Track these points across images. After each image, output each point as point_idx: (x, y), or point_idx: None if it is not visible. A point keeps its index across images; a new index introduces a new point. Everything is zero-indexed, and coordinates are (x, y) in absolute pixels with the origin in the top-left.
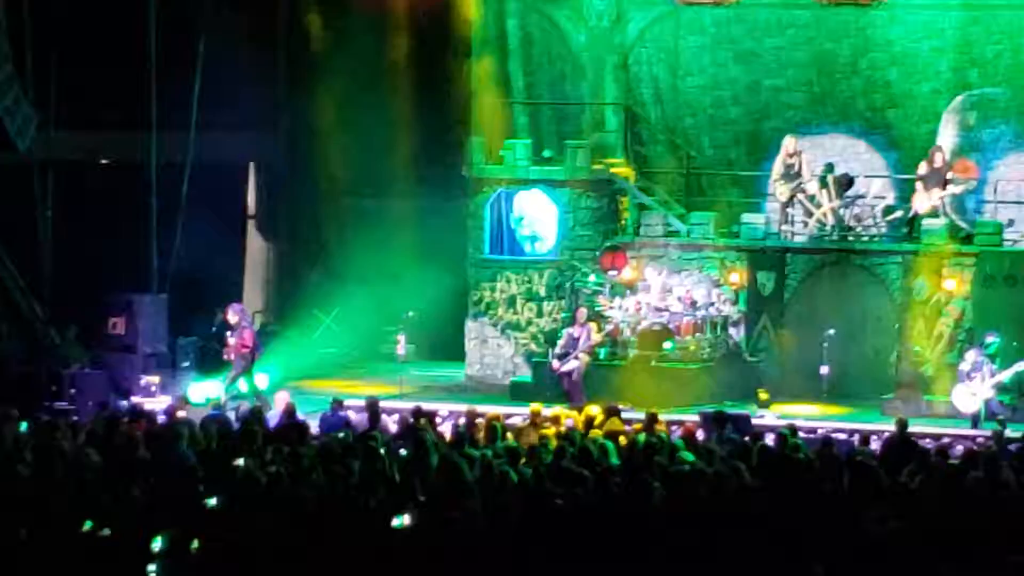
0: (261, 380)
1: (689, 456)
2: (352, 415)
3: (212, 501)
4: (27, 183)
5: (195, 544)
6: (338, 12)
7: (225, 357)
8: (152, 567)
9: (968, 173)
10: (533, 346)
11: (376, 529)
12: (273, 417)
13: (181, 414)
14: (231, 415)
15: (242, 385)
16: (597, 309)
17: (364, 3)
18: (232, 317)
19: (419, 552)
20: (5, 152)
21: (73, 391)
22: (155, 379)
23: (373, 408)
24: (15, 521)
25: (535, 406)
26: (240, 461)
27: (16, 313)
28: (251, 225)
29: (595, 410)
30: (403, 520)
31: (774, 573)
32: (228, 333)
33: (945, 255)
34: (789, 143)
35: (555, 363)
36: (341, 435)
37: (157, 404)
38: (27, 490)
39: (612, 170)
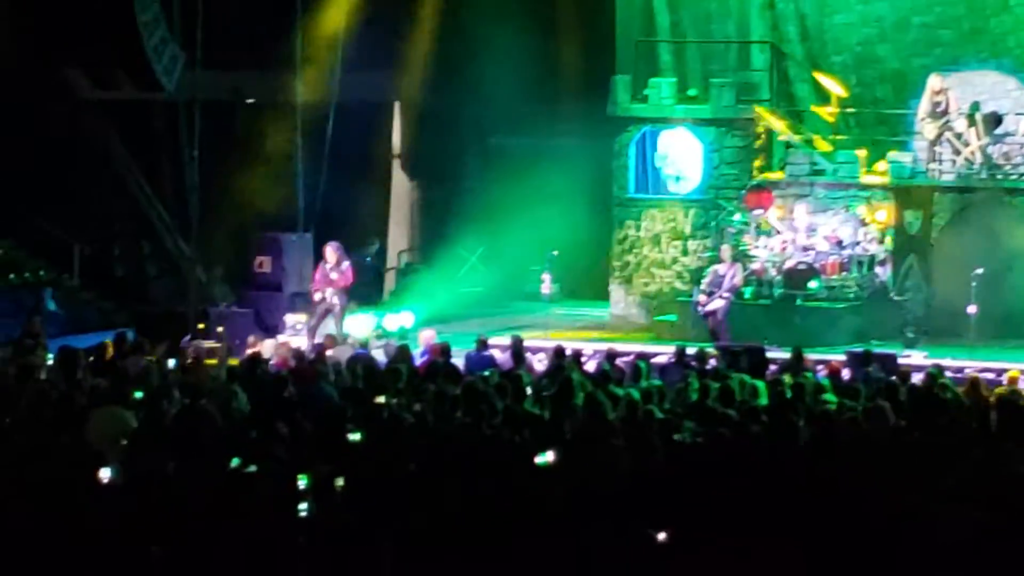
0: (407, 318)
1: (832, 397)
2: (497, 354)
3: (355, 436)
4: (173, 123)
5: (339, 482)
6: None
7: (318, 293)
8: (303, 505)
9: None
10: (679, 284)
11: (520, 467)
12: (419, 355)
13: (329, 352)
14: (377, 353)
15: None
16: (742, 248)
17: None
18: (332, 255)
19: (562, 490)
20: (152, 92)
21: (220, 329)
22: (301, 317)
23: (518, 347)
24: (163, 457)
25: (678, 345)
26: (382, 399)
27: (164, 253)
28: (396, 164)
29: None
30: (547, 458)
31: (919, 513)
32: (328, 268)
33: None
34: (935, 81)
35: (701, 298)
36: (486, 374)
37: (302, 343)
38: (176, 426)
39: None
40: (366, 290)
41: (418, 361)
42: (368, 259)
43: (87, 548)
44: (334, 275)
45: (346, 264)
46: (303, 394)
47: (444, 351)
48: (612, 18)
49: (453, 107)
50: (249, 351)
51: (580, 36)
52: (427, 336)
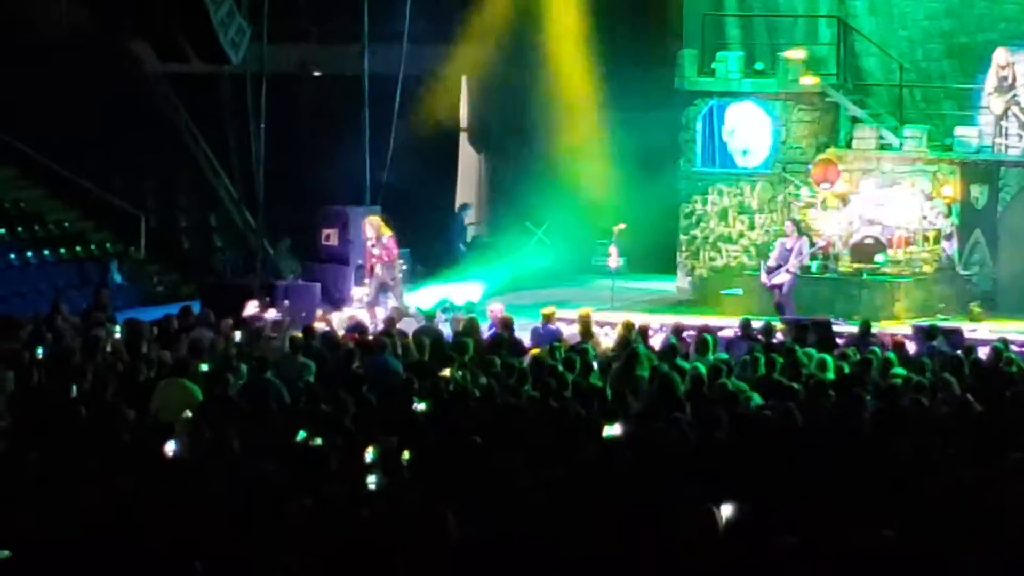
0: (475, 291)
1: (900, 371)
2: (563, 327)
3: (421, 407)
4: (240, 96)
5: (406, 455)
6: None
7: (369, 268)
8: (372, 477)
9: None
10: (745, 259)
11: (587, 440)
12: (486, 329)
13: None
14: (444, 327)
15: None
16: (809, 222)
17: None
18: (370, 230)
19: (629, 462)
20: (218, 65)
21: (286, 302)
22: (367, 291)
23: (585, 321)
24: (229, 430)
25: (745, 319)
26: (447, 372)
27: (230, 226)
28: (463, 137)
29: None
30: (614, 431)
31: (983, 487)
32: (370, 245)
33: None
34: (1001, 55)
35: (764, 276)
36: (553, 347)
37: (368, 317)
38: (241, 399)
39: None
40: (441, 260)
41: (487, 334)
42: (464, 223)
43: (151, 521)
44: (376, 250)
45: (387, 236)
46: (369, 367)
47: (507, 324)
48: None
49: (520, 80)
50: (316, 323)
51: (648, 9)
52: (495, 309)
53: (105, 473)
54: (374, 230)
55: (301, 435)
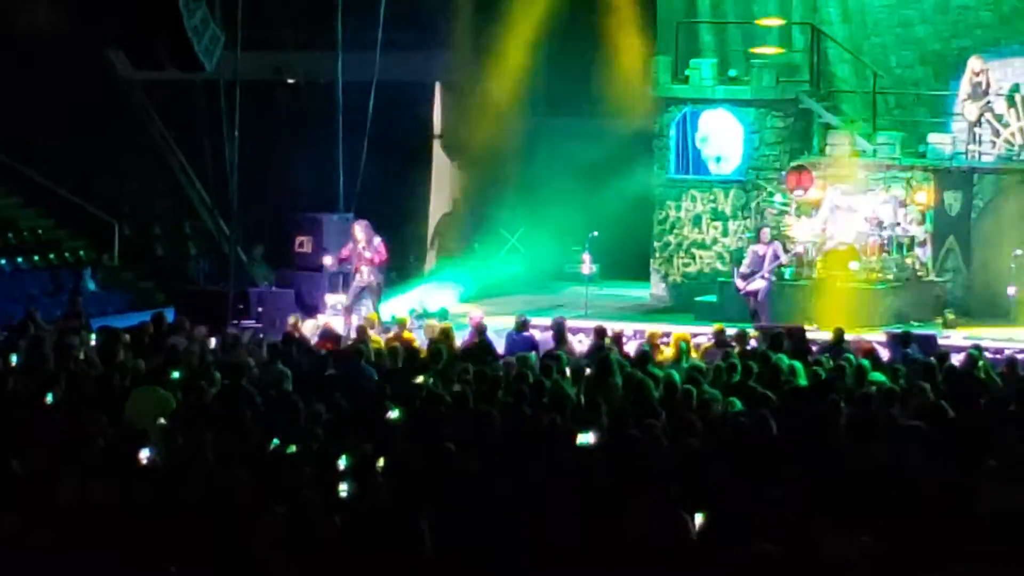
0: (450, 299)
1: (879, 376)
2: (537, 335)
3: (394, 414)
4: (214, 103)
5: (380, 462)
6: None
7: (355, 271)
8: (344, 485)
9: None
10: (719, 265)
11: (561, 447)
12: (461, 336)
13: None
14: (418, 334)
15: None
16: (783, 229)
17: None
18: (361, 233)
19: (603, 470)
20: (193, 72)
21: (260, 309)
22: (341, 298)
23: (559, 328)
24: (202, 438)
25: (719, 325)
26: (420, 379)
27: (204, 233)
28: (436, 144)
29: None
30: (588, 438)
31: (958, 493)
32: (360, 248)
33: None
34: (975, 63)
35: (739, 282)
36: (527, 355)
37: (341, 324)
38: (215, 407)
39: None
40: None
41: (464, 341)
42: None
43: (125, 528)
44: (367, 253)
45: (378, 240)
46: (343, 374)
47: (480, 330)
48: None
49: (493, 87)
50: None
51: (621, 16)
52: (474, 316)
53: (79, 480)
54: (364, 232)
55: (275, 443)
